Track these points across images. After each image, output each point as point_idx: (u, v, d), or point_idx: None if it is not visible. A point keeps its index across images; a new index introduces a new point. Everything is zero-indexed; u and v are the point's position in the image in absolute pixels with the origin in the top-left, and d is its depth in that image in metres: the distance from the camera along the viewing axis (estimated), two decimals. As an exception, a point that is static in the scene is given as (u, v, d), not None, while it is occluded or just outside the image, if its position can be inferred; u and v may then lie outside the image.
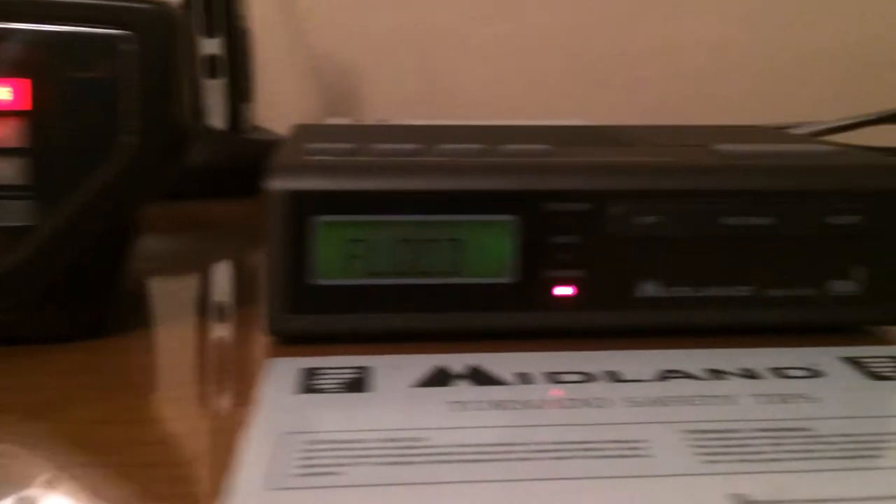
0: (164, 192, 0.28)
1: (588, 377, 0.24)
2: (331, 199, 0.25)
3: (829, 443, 0.20)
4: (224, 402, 0.22)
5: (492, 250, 0.25)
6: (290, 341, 0.26)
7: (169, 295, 0.33)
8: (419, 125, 0.37)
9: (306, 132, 0.32)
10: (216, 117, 0.49)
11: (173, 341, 0.27)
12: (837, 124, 0.43)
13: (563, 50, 0.65)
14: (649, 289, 0.26)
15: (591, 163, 0.26)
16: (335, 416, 0.21)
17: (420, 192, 0.25)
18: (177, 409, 0.22)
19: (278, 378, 0.24)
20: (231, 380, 0.24)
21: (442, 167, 0.25)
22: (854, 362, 0.25)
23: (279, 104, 0.65)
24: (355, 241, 0.25)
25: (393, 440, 0.20)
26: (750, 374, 0.24)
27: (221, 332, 0.28)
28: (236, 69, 0.48)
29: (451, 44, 0.65)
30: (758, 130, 0.35)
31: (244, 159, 0.48)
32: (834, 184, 0.26)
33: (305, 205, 0.25)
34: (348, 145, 0.27)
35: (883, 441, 0.20)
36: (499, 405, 0.22)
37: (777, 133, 0.34)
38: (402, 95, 0.65)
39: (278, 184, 0.24)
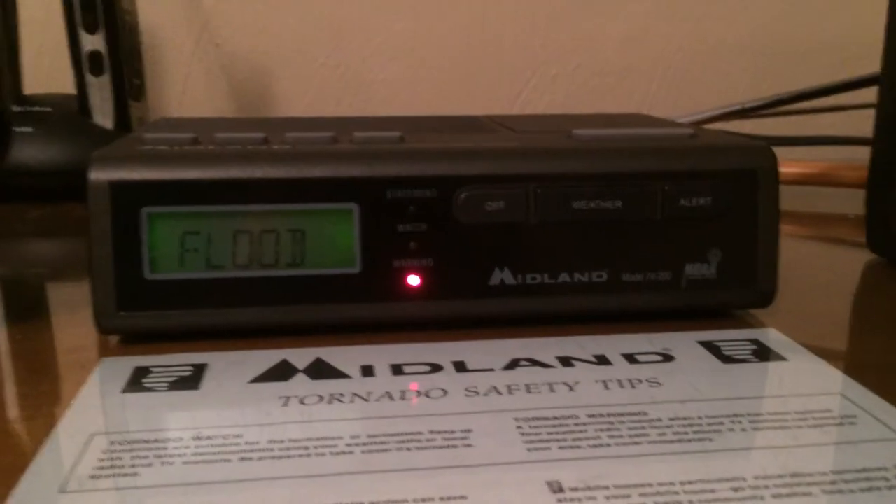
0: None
1: (434, 368, 0.23)
2: (159, 190, 0.23)
3: (661, 427, 0.20)
4: (41, 405, 0.21)
5: (334, 240, 0.24)
6: (133, 340, 0.25)
7: (22, 296, 0.31)
8: (285, 117, 0.36)
9: (158, 123, 0.31)
10: (102, 115, 0.47)
11: (7, 343, 0.25)
12: (729, 109, 0.42)
13: (475, 46, 0.65)
14: (502, 277, 0.25)
15: (437, 149, 0.25)
16: (153, 415, 0.20)
17: (255, 181, 0.24)
18: (-14, 414, 0.21)
19: (106, 378, 0.22)
20: (57, 381, 0.23)
21: (278, 155, 0.24)
22: (710, 346, 0.25)
23: (188, 103, 0.63)
24: (189, 232, 0.24)
25: (206, 438, 0.19)
26: (601, 361, 0.23)
27: (65, 333, 0.27)
28: (122, 66, 0.47)
29: (361, 40, 0.64)
30: (632, 117, 0.35)
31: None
32: (682, 165, 0.26)
33: (130, 196, 0.23)
34: (189, 135, 0.26)
35: (715, 424, 0.20)
36: (332, 399, 0.21)
37: (647, 118, 0.34)
38: (315, 93, 0.64)
39: (100, 175, 0.23)
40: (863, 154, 0.36)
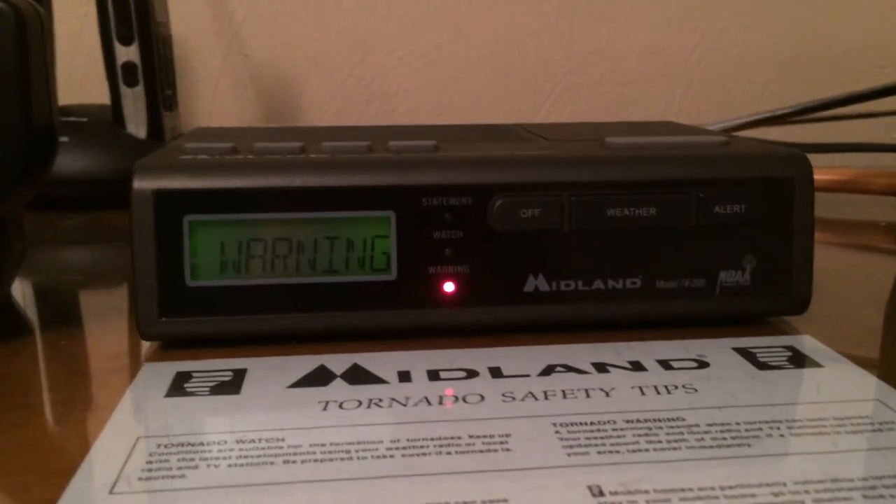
0: (36, 199, 0.27)
1: (470, 374, 0.23)
2: (201, 198, 0.24)
3: (698, 432, 0.20)
4: (87, 409, 0.22)
5: (372, 247, 0.25)
6: (173, 346, 0.25)
7: (61, 303, 0.32)
8: (321, 126, 0.36)
9: (198, 133, 0.32)
10: (135, 125, 0.48)
11: (48, 348, 0.26)
12: (755, 118, 0.43)
13: (499, 56, 0.65)
14: (536, 283, 0.25)
15: (471, 157, 0.26)
16: (196, 418, 0.20)
17: (294, 189, 0.24)
18: (31, 415, 0.21)
19: (149, 382, 0.23)
20: (101, 386, 0.23)
21: (316, 164, 0.25)
22: (745, 352, 0.25)
23: (217, 114, 0.64)
24: (230, 240, 0.24)
25: (250, 441, 0.19)
26: (636, 367, 0.24)
27: (108, 339, 0.27)
28: (156, 77, 0.48)
29: (386, 51, 0.64)
30: (664, 125, 0.35)
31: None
32: (717, 173, 0.26)
33: (172, 204, 0.24)
34: (227, 144, 0.26)
35: (753, 429, 0.20)
36: (371, 404, 0.21)
37: (678, 126, 0.34)
38: (341, 103, 0.64)
39: (143, 184, 0.24)
40: (893, 161, 0.36)
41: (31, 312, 0.30)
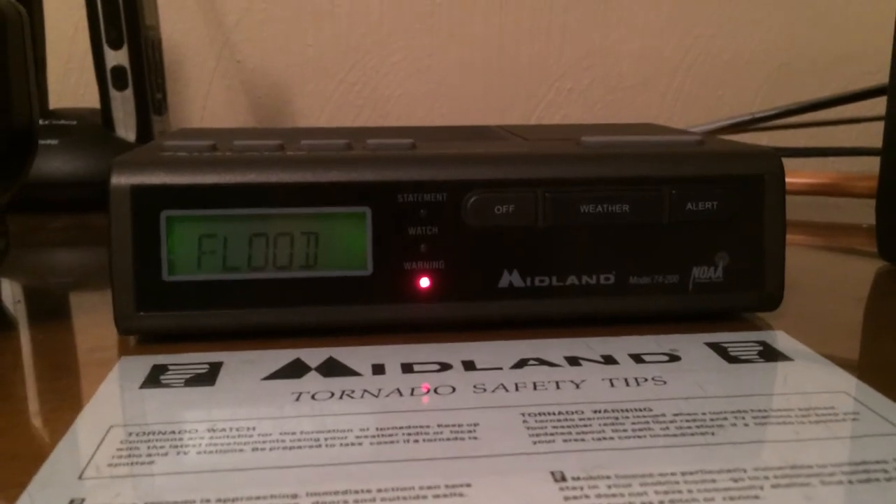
0: (14, 200, 0.27)
1: (443, 367, 0.23)
2: (178, 194, 0.24)
3: (664, 422, 0.20)
4: (62, 399, 0.22)
5: (347, 243, 0.25)
6: (151, 340, 0.25)
7: (46, 301, 0.32)
8: (304, 127, 0.36)
9: (180, 133, 0.32)
10: (125, 129, 0.48)
11: (27, 342, 0.26)
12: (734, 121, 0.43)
13: (491, 63, 0.66)
14: (510, 279, 0.26)
15: (447, 154, 0.26)
16: (169, 408, 0.21)
17: (270, 185, 0.25)
18: (3, 404, 0.21)
19: (124, 374, 0.23)
20: (77, 378, 0.23)
21: (293, 160, 0.25)
22: (717, 347, 0.25)
23: (209, 118, 0.64)
24: (206, 236, 0.24)
25: (220, 430, 0.20)
26: (608, 360, 0.24)
27: (86, 334, 0.27)
28: (146, 81, 0.48)
29: (379, 57, 0.65)
30: (643, 126, 0.35)
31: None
32: (689, 170, 0.26)
33: (149, 199, 0.24)
34: (207, 142, 0.27)
35: (718, 419, 0.20)
36: (344, 395, 0.22)
37: (657, 127, 0.34)
38: (334, 108, 0.65)
39: (121, 179, 0.24)
40: (875, 165, 0.36)
41: (16, 310, 0.31)
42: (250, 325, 0.25)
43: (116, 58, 0.47)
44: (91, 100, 0.52)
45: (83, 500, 0.16)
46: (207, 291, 0.25)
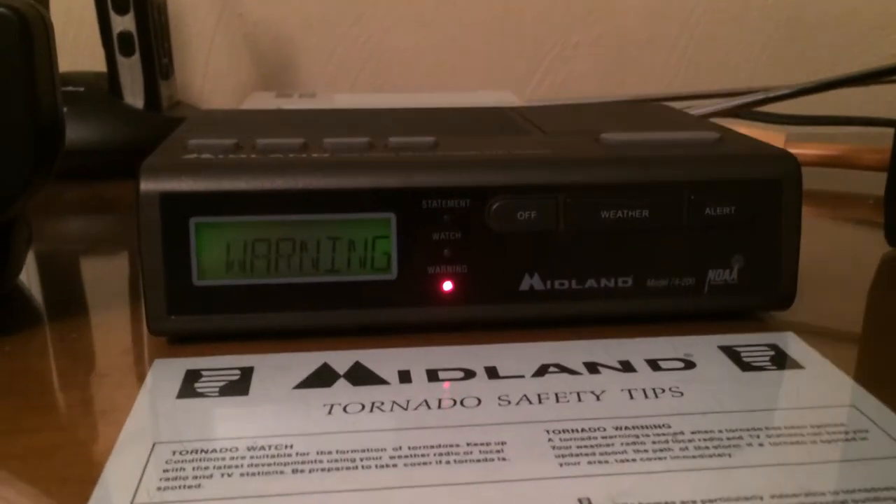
0: (44, 187, 0.27)
1: (467, 374, 0.24)
2: (206, 201, 0.24)
3: (683, 441, 0.21)
4: (101, 409, 0.23)
5: (372, 248, 0.25)
6: (182, 340, 0.26)
7: (65, 286, 0.33)
8: (319, 110, 0.36)
9: (199, 122, 0.32)
10: (132, 95, 0.48)
11: (58, 341, 0.27)
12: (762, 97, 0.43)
13: (497, 17, 0.65)
14: (531, 282, 0.26)
15: (470, 159, 0.26)
16: (209, 423, 0.22)
17: (297, 192, 0.25)
18: (48, 418, 0.22)
19: (160, 381, 0.24)
20: (113, 384, 0.24)
21: (318, 165, 0.25)
22: (730, 351, 0.26)
23: (211, 75, 0.64)
24: (234, 241, 0.25)
25: (260, 448, 0.20)
26: (625, 367, 0.25)
27: (117, 331, 0.28)
28: (153, 46, 0.47)
29: (383, 11, 0.64)
30: (657, 112, 0.35)
31: (163, 137, 0.47)
32: (708, 175, 0.26)
33: (179, 206, 0.24)
34: (230, 141, 0.27)
35: (734, 438, 0.21)
36: (374, 407, 0.22)
37: (671, 113, 0.34)
38: (337, 63, 0.64)
39: (150, 185, 0.24)
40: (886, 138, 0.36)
41: (38, 296, 0.31)
42: (278, 328, 0.26)
43: (123, 23, 0.46)
44: (92, 55, 0.51)
45: (138, 529, 0.17)
46: (236, 295, 0.25)
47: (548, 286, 0.26)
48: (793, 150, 0.47)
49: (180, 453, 0.20)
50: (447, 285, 0.26)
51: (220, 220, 0.25)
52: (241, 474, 0.19)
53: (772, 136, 0.47)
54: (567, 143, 0.28)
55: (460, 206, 0.26)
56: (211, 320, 0.25)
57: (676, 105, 0.39)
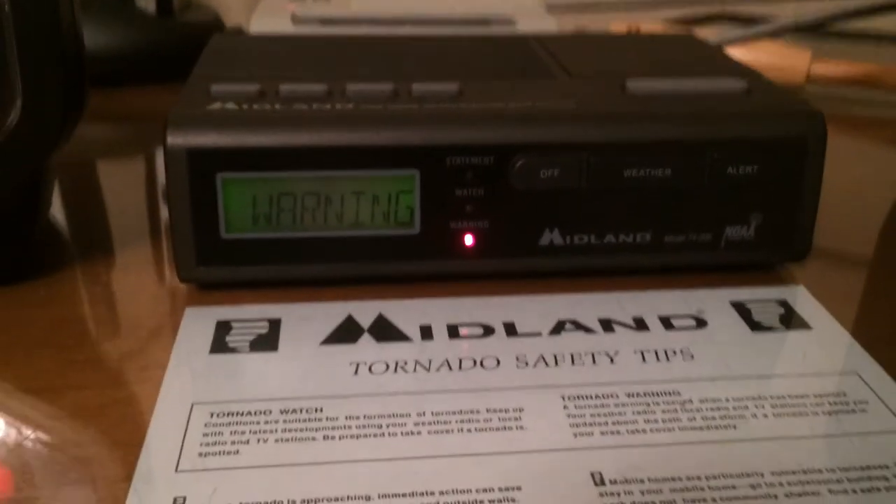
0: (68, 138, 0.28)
1: (486, 331, 0.25)
2: (232, 157, 0.25)
3: (691, 410, 0.22)
4: (141, 365, 0.24)
5: (396, 203, 0.26)
6: (211, 287, 0.27)
7: (89, 223, 0.33)
8: (339, 38, 0.36)
9: (218, 55, 0.32)
10: (145, 0, 0.47)
11: (91, 284, 0.28)
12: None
13: None
14: (551, 237, 0.27)
15: (494, 112, 0.26)
16: (243, 381, 0.23)
17: (322, 148, 0.25)
18: (91, 374, 0.23)
19: (192, 335, 0.25)
20: (149, 334, 0.25)
21: (344, 119, 0.25)
22: (741, 308, 0.27)
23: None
24: (261, 195, 0.25)
25: (292, 411, 0.22)
26: (639, 325, 0.26)
27: (143, 268, 0.29)
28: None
29: None
30: (683, 44, 0.35)
31: (175, 43, 0.46)
32: (732, 133, 0.26)
33: (205, 162, 0.25)
34: (254, 87, 0.27)
35: (740, 408, 0.22)
36: (398, 367, 0.23)
37: (699, 48, 0.34)
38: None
39: (177, 139, 0.24)
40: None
41: (63, 228, 0.32)
42: (303, 279, 0.27)
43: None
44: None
45: (185, 498, 0.19)
46: (262, 247, 0.26)
47: (567, 241, 0.27)
48: (819, 68, 0.46)
49: (217, 415, 0.21)
50: (468, 239, 0.27)
51: (247, 175, 0.25)
52: (276, 440, 0.21)
53: (796, 54, 0.46)
54: (592, 92, 0.28)
55: (483, 163, 0.26)
56: (238, 271, 0.26)
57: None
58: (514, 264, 0.27)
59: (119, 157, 0.40)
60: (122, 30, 0.45)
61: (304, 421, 0.21)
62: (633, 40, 0.35)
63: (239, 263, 0.26)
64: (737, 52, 0.47)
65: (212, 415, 0.21)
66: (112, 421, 0.21)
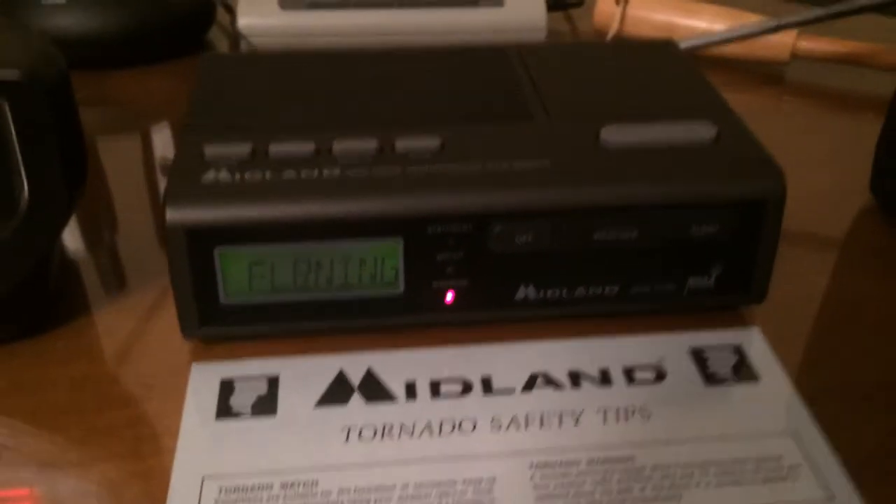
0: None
1: (465, 387, 0.28)
2: (228, 232, 0.27)
3: (643, 479, 0.25)
4: (153, 433, 0.26)
5: (382, 268, 0.28)
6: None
7: (93, 265, 0.35)
8: (321, 74, 0.36)
9: (206, 101, 0.32)
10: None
11: (104, 336, 0.30)
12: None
13: None
14: (526, 293, 0.29)
15: (473, 179, 0.28)
16: (246, 451, 0.25)
17: (312, 221, 0.27)
18: (111, 446, 0.26)
19: (199, 398, 0.27)
20: (161, 396, 0.28)
21: (330, 189, 0.27)
22: (699, 356, 0.29)
23: None
24: (255, 263, 0.27)
25: (290, 485, 0.25)
26: (603, 378, 0.28)
27: (150, 322, 0.31)
28: None
29: None
30: (664, 64, 0.35)
31: (163, 24, 0.46)
32: (696, 196, 0.28)
33: (203, 239, 0.26)
34: (245, 148, 0.28)
35: (686, 476, 0.25)
36: (385, 434, 0.26)
37: (679, 79, 0.34)
38: None
39: (175, 217, 0.26)
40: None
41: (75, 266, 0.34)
42: (297, 334, 0.29)
43: None
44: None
45: (201, 584, 0.22)
46: (259, 310, 0.28)
47: (541, 295, 0.29)
48: (805, 44, 0.46)
49: (226, 491, 0.24)
50: (449, 297, 0.29)
51: (242, 249, 0.27)
52: (277, 518, 0.24)
53: (779, 38, 0.46)
54: (566, 147, 0.30)
55: (463, 230, 0.28)
56: (237, 330, 0.28)
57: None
58: (492, 316, 0.29)
59: (119, 157, 0.41)
60: (115, 13, 0.45)
61: (302, 496, 0.24)
62: (613, 57, 0.36)
63: (237, 324, 0.28)
64: (724, 27, 0.47)
65: (220, 490, 0.24)
66: (133, 497, 0.24)
